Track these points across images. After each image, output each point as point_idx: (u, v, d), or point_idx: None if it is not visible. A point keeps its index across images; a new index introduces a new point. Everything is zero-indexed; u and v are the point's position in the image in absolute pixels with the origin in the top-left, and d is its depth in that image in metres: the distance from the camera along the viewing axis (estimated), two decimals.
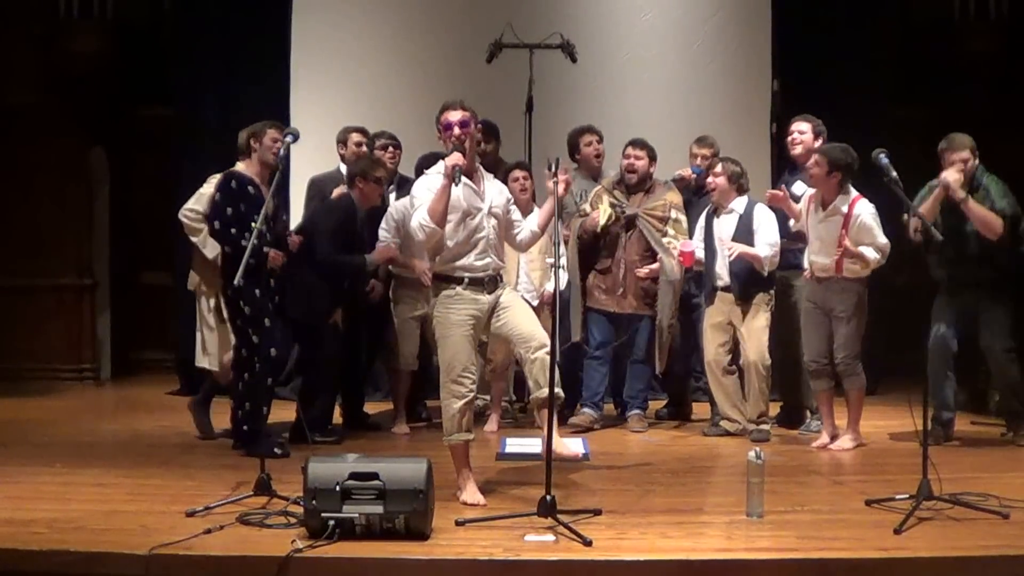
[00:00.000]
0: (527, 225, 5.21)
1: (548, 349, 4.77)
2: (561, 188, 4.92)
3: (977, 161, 6.13)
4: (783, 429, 6.83)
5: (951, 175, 6.00)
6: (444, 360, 4.98)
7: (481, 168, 5.14)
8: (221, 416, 6.61)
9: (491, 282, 4.99)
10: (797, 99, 8.02)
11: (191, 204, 6.45)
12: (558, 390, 4.82)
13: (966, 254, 6.14)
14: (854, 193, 6.12)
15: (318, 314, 6.26)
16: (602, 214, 6.71)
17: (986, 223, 6.02)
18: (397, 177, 7.17)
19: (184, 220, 6.46)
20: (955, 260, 6.13)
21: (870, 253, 6.03)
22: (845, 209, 6.07)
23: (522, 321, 4.96)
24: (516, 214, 5.14)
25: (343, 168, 6.79)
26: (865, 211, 6.07)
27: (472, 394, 4.93)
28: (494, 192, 5.07)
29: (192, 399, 6.62)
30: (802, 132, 6.66)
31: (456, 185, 4.80)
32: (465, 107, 4.99)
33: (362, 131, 6.97)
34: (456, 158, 4.83)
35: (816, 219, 6.18)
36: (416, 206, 4.92)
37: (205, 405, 6.52)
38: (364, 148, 6.91)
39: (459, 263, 4.94)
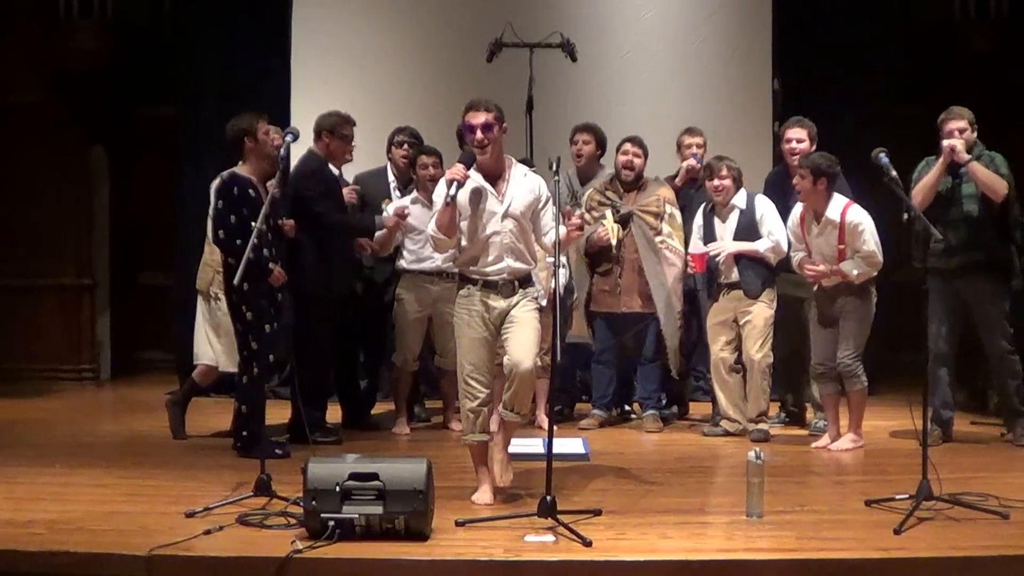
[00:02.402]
0: (551, 236, 4.95)
1: (524, 367, 4.79)
2: (575, 233, 4.94)
3: (975, 135, 6.15)
4: (787, 428, 6.84)
5: (954, 141, 6.02)
6: (457, 360, 4.96)
7: (515, 168, 4.96)
8: (221, 416, 6.64)
9: (507, 286, 4.86)
10: (797, 98, 8.03)
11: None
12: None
13: (957, 241, 6.15)
14: (844, 200, 6.11)
15: (318, 310, 6.24)
16: (611, 232, 6.68)
17: (991, 185, 6.03)
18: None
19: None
20: (946, 248, 6.12)
21: (849, 268, 6.04)
22: (837, 218, 6.06)
23: (516, 340, 4.85)
24: (548, 215, 4.95)
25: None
26: (857, 217, 6.06)
27: (483, 395, 4.86)
28: (519, 193, 4.88)
29: (168, 397, 6.58)
30: (800, 140, 6.59)
31: (450, 200, 4.72)
32: (489, 107, 4.84)
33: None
34: (455, 172, 4.74)
35: (813, 234, 6.17)
36: (434, 210, 4.93)
37: (182, 405, 6.50)
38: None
39: (473, 265, 4.89)
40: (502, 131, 4.89)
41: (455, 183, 4.72)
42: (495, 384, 6.83)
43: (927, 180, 6.08)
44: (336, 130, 6.37)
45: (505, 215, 4.86)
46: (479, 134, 4.81)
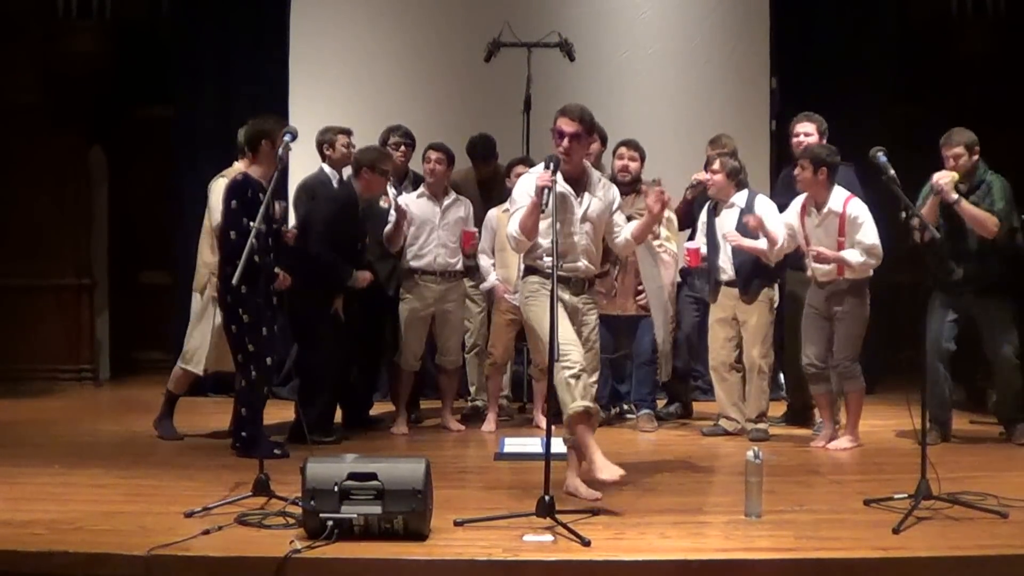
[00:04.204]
0: (624, 232, 5.19)
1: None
2: (656, 207, 5.05)
3: (976, 157, 6.14)
4: (791, 428, 6.85)
5: (942, 176, 6.02)
6: (541, 342, 4.87)
7: (591, 172, 5.12)
8: (220, 416, 6.63)
9: (578, 283, 5.04)
10: (795, 97, 8.04)
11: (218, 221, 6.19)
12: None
13: (966, 253, 6.16)
14: (845, 192, 6.12)
15: (316, 312, 6.23)
16: None
17: (980, 223, 6.04)
18: (411, 175, 7.17)
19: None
20: (955, 260, 6.15)
21: (852, 257, 6.03)
22: (839, 209, 6.07)
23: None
24: (619, 217, 5.17)
25: (327, 169, 6.67)
26: (858, 210, 6.06)
27: (579, 365, 4.83)
28: (596, 199, 5.05)
29: (157, 417, 6.52)
30: (808, 134, 6.59)
31: (544, 207, 4.79)
32: (584, 118, 4.96)
33: (347, 132, 6.82)
34: (545, 179, 4.77)
35: (812, 223, 6.18)
36: (513, 209, 5.02)
37: (168, 417, 6.46)
38: (353, 148, 6.74)
39: (548, 261, 4.92)
40: (590, 140, 5.10)
41: (547, 190, 4.77)
42: (494, 382, 6.93)
43: (924, 213, 6.02)
44: (376, 165, 6.36)
45: (584, 219, 5.01)
46: (566, 142, 4.94)
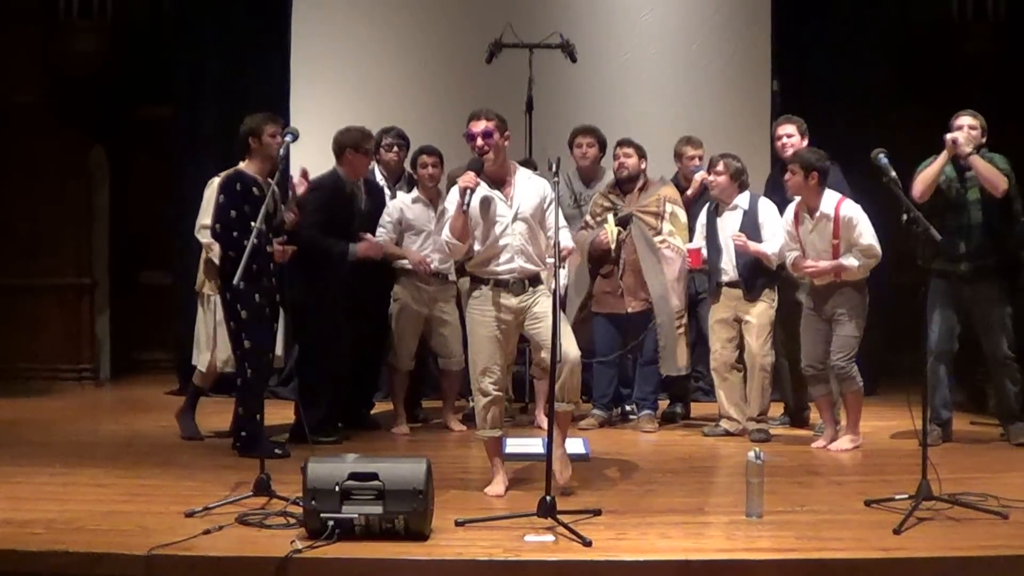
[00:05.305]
0: (564, 241, 5.11)
1: (572, 355, 4.89)
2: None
3: (984, 139, 6.19)
4: (789, 429, 6.84)
5: (956, 133, 6.07)
6: (470, 358, 5.13)
7: (519, 172, 5.12)
8: (221, 416, 6.63)
9: (517, 284, 5.01)
10: (796, 99, 8.04)
11: (203, 220, 6.33)
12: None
13: (966, 227, 6.18)
14: (836, 195, 6.12)
15: (318, 311, 6.22)
16: (611, 235, 6.69)
17: (990, 179, 6.07)
18: (406, 174, 7.17)
19: (203, 240, 6.40)
20: (955, 253, 6.15)
21: (850, 261, 6.03)
22: (832, 212, 6.07)
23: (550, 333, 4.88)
24: (549, 216, 5.10)
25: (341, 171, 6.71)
26: (852, 211, 6.06)
27: (495, 393, 5.00)
28: (526, 196, 5.03)
29: (179, 409, 6.56)
30: (790, 136, 6.64)
31: (466, 208, 4.85)
32: (490, 116, 5.00)
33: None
34: (467, 180, 4.86)
35: (806, 229, 6.17)
36: (447, 216, 5.06)
37: (190, 412, 6.49)
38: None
39: (486, 267, 5.03)
40: (504, 138, 5.05)
41: (469, 191, 4.85)
42: (540, 385, 6.92)
43: (928, 172, 6.11)
44: (359, 145, 6.36)
45: (515, 218, 5.01)
46: (480, 141, 4.97)
